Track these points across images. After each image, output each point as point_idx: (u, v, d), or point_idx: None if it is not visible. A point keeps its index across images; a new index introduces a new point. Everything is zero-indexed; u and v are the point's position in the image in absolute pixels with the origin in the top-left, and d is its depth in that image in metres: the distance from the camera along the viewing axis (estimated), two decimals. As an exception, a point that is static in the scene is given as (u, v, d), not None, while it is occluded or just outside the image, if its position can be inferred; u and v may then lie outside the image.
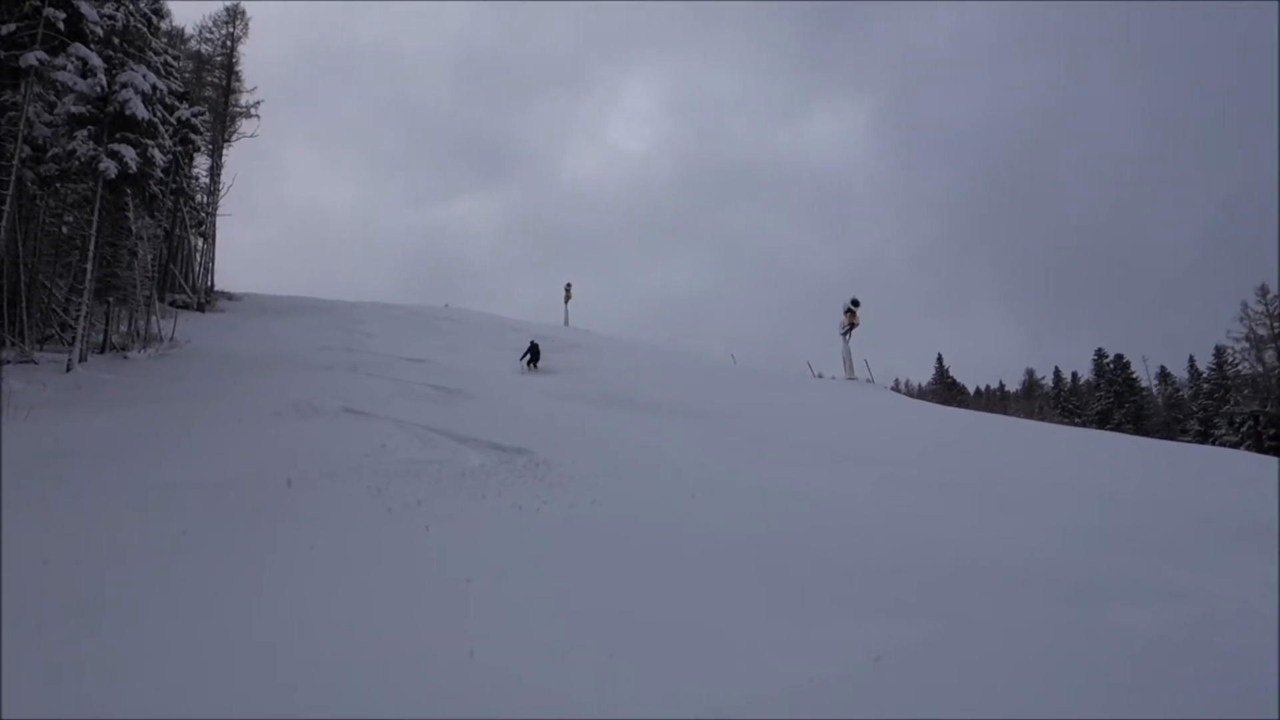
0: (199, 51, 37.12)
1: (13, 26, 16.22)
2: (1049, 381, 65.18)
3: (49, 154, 18.07)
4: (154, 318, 23.92)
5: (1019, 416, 31.60)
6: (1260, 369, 44.04)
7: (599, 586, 5.37)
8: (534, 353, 23.70)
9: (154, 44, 21.70)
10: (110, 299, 21.03)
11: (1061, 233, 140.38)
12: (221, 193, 36.12)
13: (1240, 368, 46.49)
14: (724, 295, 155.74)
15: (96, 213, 18.35)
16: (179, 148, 26.61)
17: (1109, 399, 55.71)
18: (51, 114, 18.42)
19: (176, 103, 26.34)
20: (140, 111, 18.29)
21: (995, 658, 4.36)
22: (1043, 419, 42.80)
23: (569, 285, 40.44)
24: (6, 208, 15.74)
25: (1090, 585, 5.72)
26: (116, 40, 18.89)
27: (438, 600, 4.98)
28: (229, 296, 35.74)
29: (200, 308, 31.56)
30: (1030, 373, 68.76)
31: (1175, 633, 4.74)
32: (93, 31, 17.45)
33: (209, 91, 36.43)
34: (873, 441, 13.53)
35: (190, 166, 31.44)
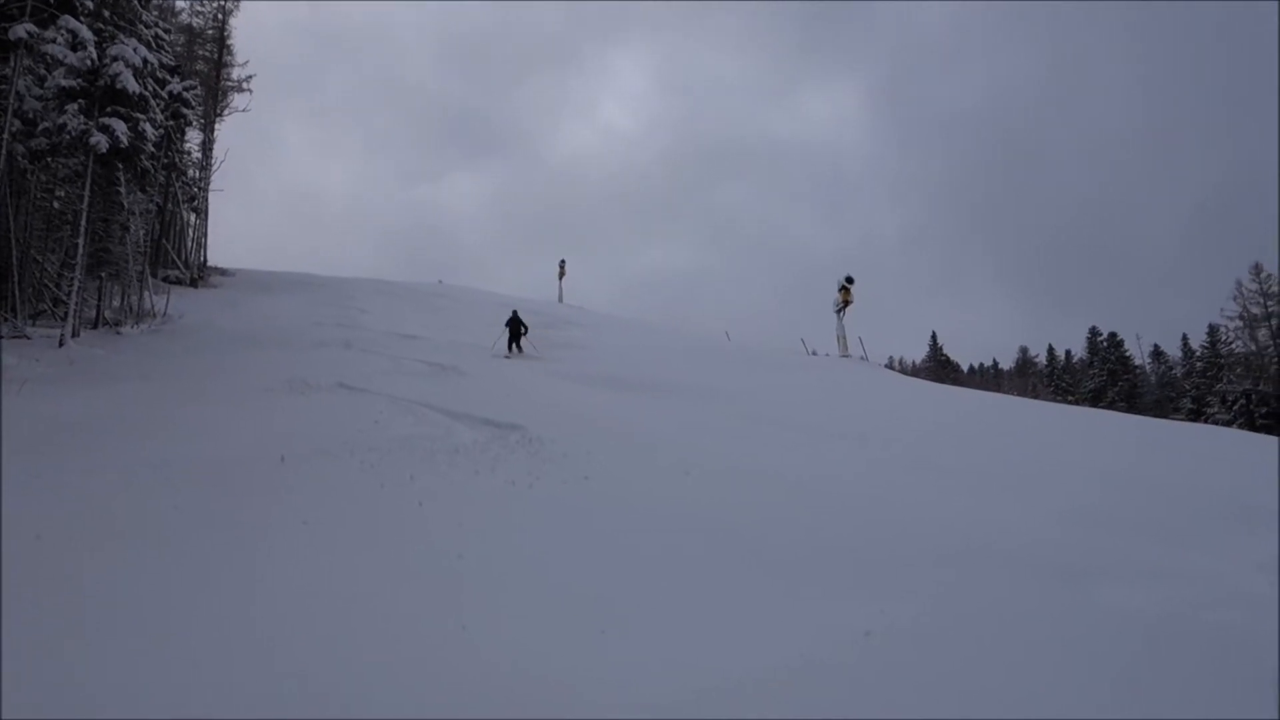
0: (190, 25, 36.66)
1: (0, -2, 16.03)
2: (1042, 359, 65.25)
3: (39, 128, 17.89)
4: (146, 293, 23.82)
5: (1012, 394, 31.73)
6: (1253, 347, 44.26)
7: (591, 563, 5.42)
8: (514, 330, 20.45)
9: (145, 17, 21.41)
10: (103, 274, 20.93)
11: (1056, 213, 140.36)
12: (214, 167, 35.93)
13: (1234, 346, 46.67)
14: (717, 272, 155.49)
15: (88, 187, 18.20)
16: (171, 122, 26.32)
17: (1102, 377, 55.92)
18: (42, 88, 18.20)
19: (168, 76, 25.98)
20: (131, 85, 18.10)
21: (983, 635, 4.43)
22: (1036, 397, 42.93)
23: (563, 262, 40.48)
24: (-3, 182, 15.65)
25: (1080, 564, 5.78)
26: (107, 13, 18.65)
27: (430, 575, 5.03)
28: (222, 272, 35.56)
29: (193, 283, 31.41)
30: (1024, 350, 68.86)
31: (1164, 612, 4.81)
32: (82, 4, 17.22)
33: (201, 65, 36.02)
34: (866, 421, 13.58)
35: (182, 141, 31.16)
